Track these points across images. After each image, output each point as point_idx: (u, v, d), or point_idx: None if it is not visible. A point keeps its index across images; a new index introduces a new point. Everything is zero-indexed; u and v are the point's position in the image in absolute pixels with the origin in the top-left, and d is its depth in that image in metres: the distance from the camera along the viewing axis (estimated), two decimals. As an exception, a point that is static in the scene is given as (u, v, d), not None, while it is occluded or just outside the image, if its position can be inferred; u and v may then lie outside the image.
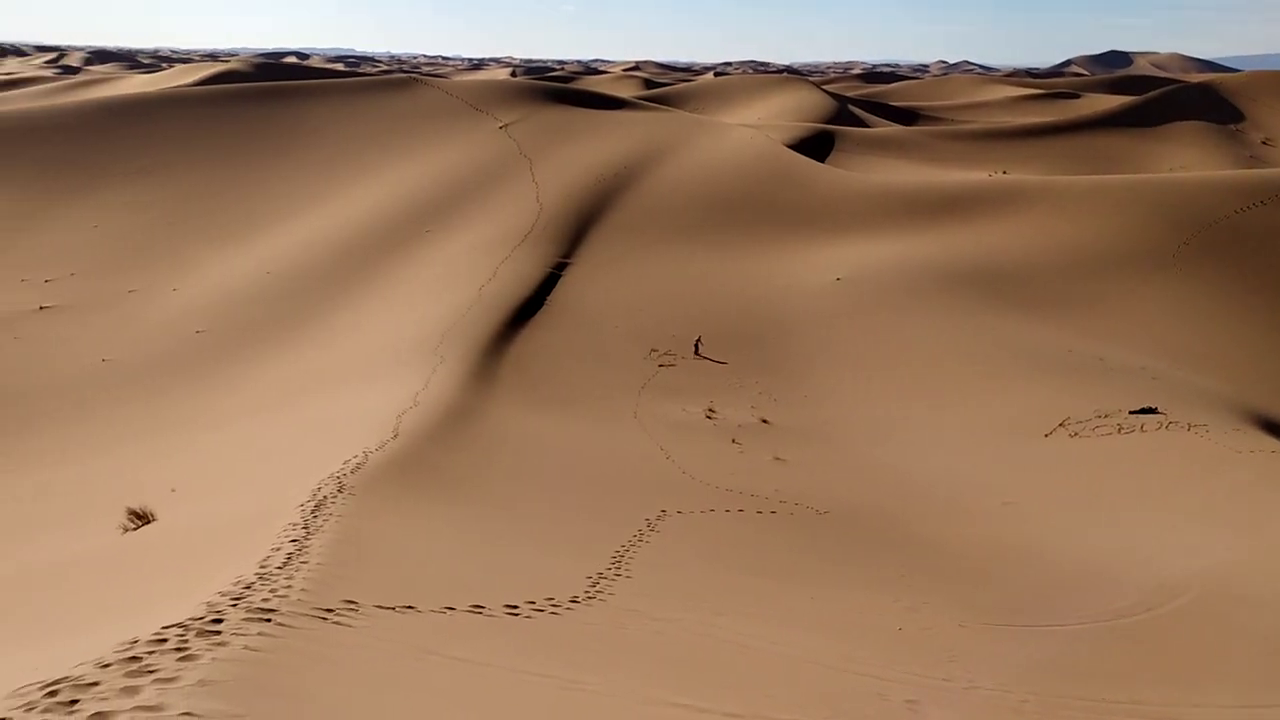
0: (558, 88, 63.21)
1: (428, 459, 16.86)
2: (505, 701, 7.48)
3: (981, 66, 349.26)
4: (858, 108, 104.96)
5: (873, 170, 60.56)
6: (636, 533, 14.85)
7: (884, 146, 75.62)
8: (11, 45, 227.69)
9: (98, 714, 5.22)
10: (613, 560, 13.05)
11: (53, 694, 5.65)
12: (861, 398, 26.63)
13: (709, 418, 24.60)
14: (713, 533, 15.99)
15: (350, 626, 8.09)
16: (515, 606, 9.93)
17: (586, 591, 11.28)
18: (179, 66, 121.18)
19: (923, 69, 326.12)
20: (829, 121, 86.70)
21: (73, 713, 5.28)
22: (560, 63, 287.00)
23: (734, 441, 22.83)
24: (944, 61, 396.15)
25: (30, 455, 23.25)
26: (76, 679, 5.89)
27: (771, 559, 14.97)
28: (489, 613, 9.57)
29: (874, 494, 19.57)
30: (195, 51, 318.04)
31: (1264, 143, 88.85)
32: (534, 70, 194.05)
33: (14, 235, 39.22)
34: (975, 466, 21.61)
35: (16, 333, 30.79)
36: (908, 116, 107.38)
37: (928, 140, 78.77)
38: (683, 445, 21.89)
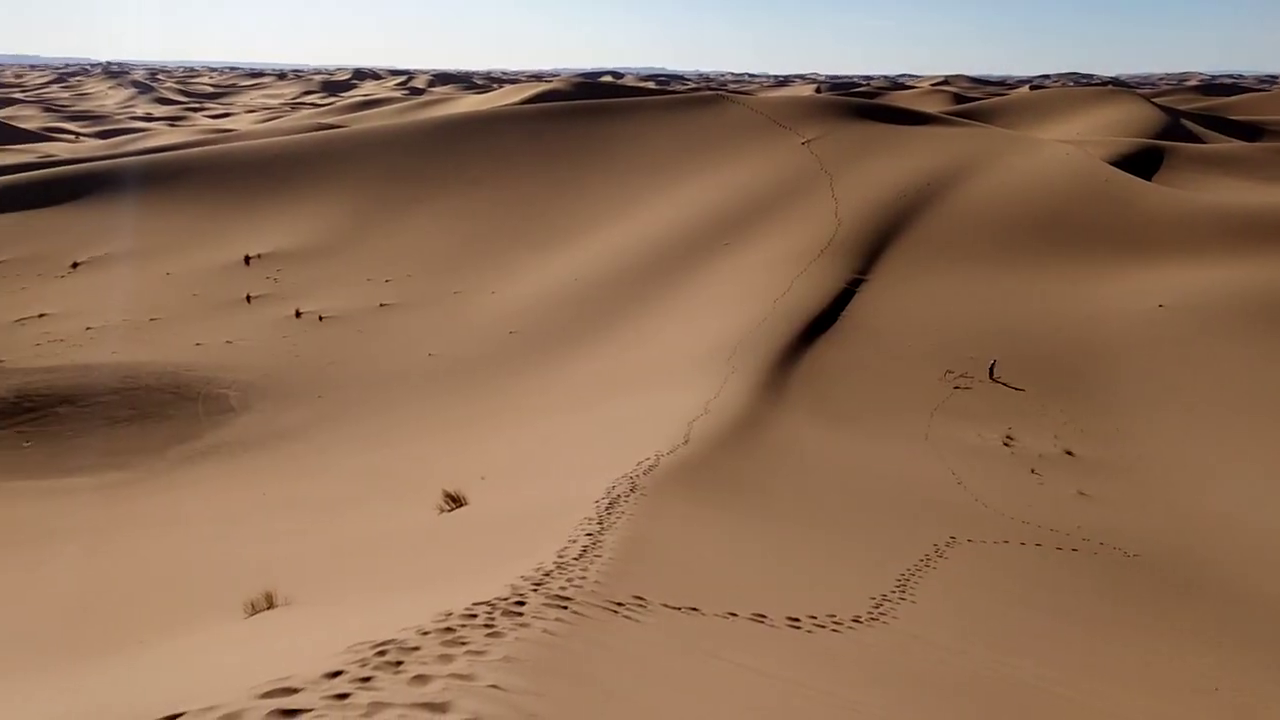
0: (862, 103, 62.49)
1: (716, 465, 17.26)
2: (785, 712, 7.61)
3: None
4: (1192, 122, 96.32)
5: (1206, 189, 55.43)
6: (924, 557, 14.50)
7: (1220, 164, 68.96)
8: (369, 70, 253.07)
9: (419, 676, 5.82)
10: (898, 583, 12.84)
11: (381, 653, 6.36)
12: (1181, 434, 24.52)
13: (1006, 445, 23.52)
14: (1006, 566, 15.32)
15: (638, 621, 8.49)
16: (796, 619, 10.03)
17: (869, 612, 11.18)
18: (508, 87, 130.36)
19: (1270, 80, 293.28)
20: (1158, 137, 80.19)
21: (398, 672, 5.92)
22: (866, 78, 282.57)
23: (1033, 472, 21.71)
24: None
25: (361, 437, 25.87)
26: (401, 642, 6.60)
27: (1072, 600, 14.15)
28: (770, 622, 9.72)
29: (1192, 539, 18.00)
30: (522, 73, 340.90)
31: None
32: (839, 86, 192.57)
33: (363, 239, 43.73)
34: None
35: (360, 326, 34.33)
36: (1251, 132, 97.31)
37: (1273, 158, 71.03)
38: (976, 472, 21.09)
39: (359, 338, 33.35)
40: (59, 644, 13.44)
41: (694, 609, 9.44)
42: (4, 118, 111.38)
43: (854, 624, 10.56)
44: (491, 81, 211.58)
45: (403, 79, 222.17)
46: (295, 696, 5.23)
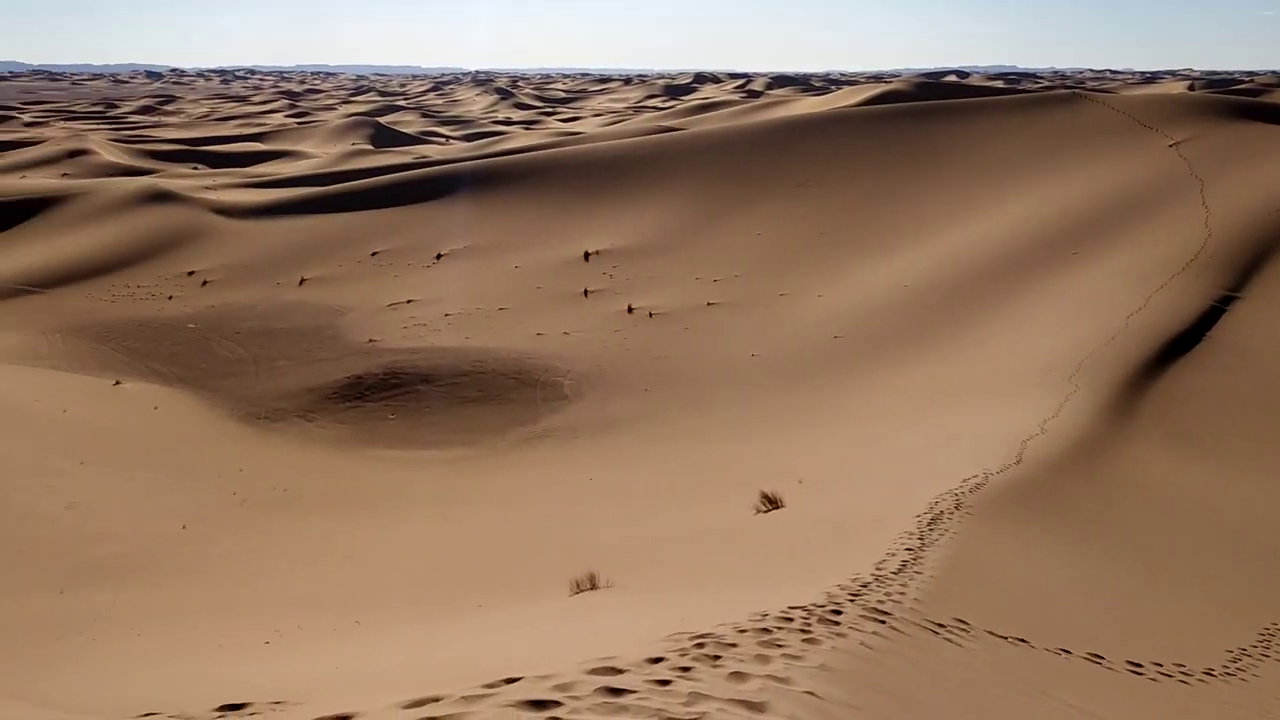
0: (1243, 102, 56.22)
1: (1051, 490, 16.20)
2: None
3: None
4: None
5: None
6: (1296, 614, 12.86)
7: None
8: (710, 74, 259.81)
9: (736, 673, 5.89)
10: (1261, 637, 11.48)
11: (700, 645, 6.49)
12: None
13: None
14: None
15: (960, 645, 8.12)
16: (1138, 665, 9.21)
17: (1225, 666, 10.07)
18: (846, 89, 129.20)
19: None
20: None
21: (716, 666, 6.02)
22: (1250, 74, 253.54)
23: None
24: None
25: (683, 432, 26.59)
26: (720, 637, 6.70)
27: None
28: (1108, 664, 8.99)
29: None
30: (862, 74, 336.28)
31: None
32: (1216, 83, 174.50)
33: (694, 238, 44.98)
34: None
35: (686, 324, 35.32)
36: None
37: None
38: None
39: (685, 335, 34.32)
40: (409, 601, 14.83)
41: (1022, 640, 8.91)
42: (389, 123, 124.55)
43: (1206, 676, 9.55)
44: (830, 83, 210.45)
45: (741, 82, 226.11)
46: (620, 676, 5.43)
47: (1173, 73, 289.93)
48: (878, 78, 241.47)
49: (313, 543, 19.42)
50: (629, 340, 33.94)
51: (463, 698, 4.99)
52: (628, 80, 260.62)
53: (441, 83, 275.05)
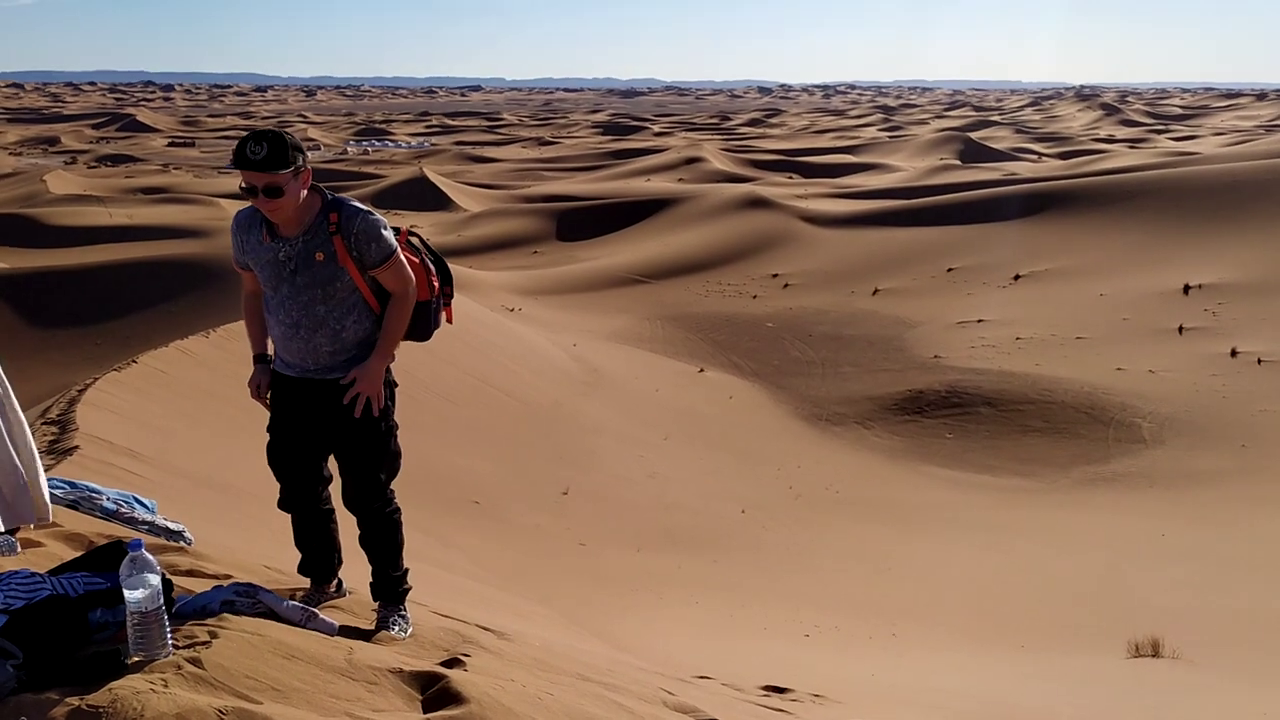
0: None
1: None
2: None
3: None
4: None
5: None
6: None
7: None
8: None
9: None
10: None
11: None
12: None
13: None
14: None
15: None
16: None
17: None
18: None
19: None
20: None
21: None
22: None
23: None
24: None
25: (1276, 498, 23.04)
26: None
27: None
28: None
29: None
30: None
31: None
32: None
33: None
34: None
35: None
36: None
37: None
38: None
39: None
40: (947, 623, 14.70)
41: None
42: (980, 138, 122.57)
43: None
44: None
45: None
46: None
47: None
48: None
49: (856, 546, 19.98)
50: (1228, 387, 30.17)
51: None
52: (1261, 95, 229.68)
53: (1041, 98, 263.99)
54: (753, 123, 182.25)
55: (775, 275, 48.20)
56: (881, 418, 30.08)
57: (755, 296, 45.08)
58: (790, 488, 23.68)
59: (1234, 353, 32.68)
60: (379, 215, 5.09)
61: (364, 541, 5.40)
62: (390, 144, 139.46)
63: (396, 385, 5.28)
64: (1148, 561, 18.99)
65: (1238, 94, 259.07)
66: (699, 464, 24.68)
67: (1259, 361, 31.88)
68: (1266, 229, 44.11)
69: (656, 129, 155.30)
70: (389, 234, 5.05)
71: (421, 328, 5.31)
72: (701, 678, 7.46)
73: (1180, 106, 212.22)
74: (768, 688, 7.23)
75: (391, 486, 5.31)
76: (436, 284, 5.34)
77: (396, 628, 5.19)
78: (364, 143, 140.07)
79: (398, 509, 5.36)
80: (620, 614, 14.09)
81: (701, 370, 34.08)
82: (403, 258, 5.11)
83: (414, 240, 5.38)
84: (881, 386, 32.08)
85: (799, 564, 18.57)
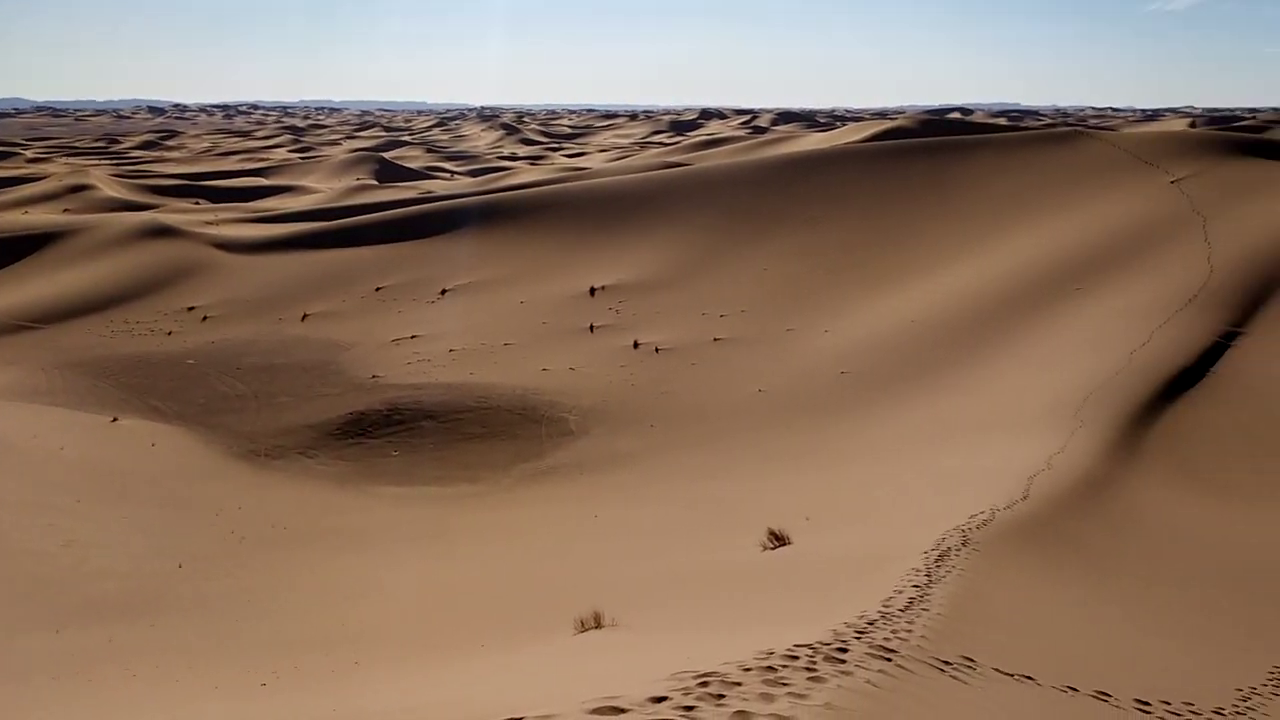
0: (1245, 139, 56.42)
1: (1058, 526, 16.03)
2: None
3: None
4: None
5: None
6: (1305, 651, 12.65)
7: None
8: (715, 110, 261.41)
9: (740, 712, 5.76)
10: (1270, 677, 11.27)
11: (704, 684, 6.37)
12: None
13: None
14: None
15: (966, 684, 7.98)
16: (1146, 703, 9.04)
17: (1235, 705, 9.88)
18: (851, 125, 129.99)
19: None
20: None
21: (720, 705, 5.90)
22: (1252, 111, 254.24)
23: None
24: None
25: (689, 468, 26.42)
26: (724, 675, 6.58)
27: None
28: (1115, 703, 8.82)
29: None
30: (866, 110, 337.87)
31: None
32: (1218, 120, 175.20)
33: (700, 273, 45.04)
34: None
35: (693, 360, 35.27)
36: None
37: None
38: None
39: (692, 370, 34.25)
40: (410, 640, 14.65)
41: (1028, 677, 8.76)
42: (394, 158, 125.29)
43: (1216, 715, 9.36)
44: (835, 119, 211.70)
45: (747, 117, 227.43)
46: (623, 716, 5.32)
47: (1174, 110, 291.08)
48: (882, 114, 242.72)
49: (312, 581, 19.26)
50: (635, 376, 33.87)
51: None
52: (634, 116, 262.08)
53: (447, 118, 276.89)
54: (146, 145, 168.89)
55: (191, 308, 45.02)
56: (324, 444, 29.39)
57: (170, 333, 41.74)
58: (232, 532, 22.18)
59: (636, 344, 36.87)
60: None
61: None
62: None
63: None
64: (586, 542, 20.64)
65: (615, 115, 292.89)
66: (123, 523, 22.14)
67: (656, 350, 36.26)
68: (650, 233, 50.35)
69: (30, 154, 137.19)
70: None
71: None
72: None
73: (569, 126, 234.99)
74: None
75: None
76: None
77: None
78: None
79: None
80: (40, 709, 12.15)
81: (115, 419, 30.69)
82: None
83: None
84: (321, 413, 31.35)
85: (250, 610, 17.41)
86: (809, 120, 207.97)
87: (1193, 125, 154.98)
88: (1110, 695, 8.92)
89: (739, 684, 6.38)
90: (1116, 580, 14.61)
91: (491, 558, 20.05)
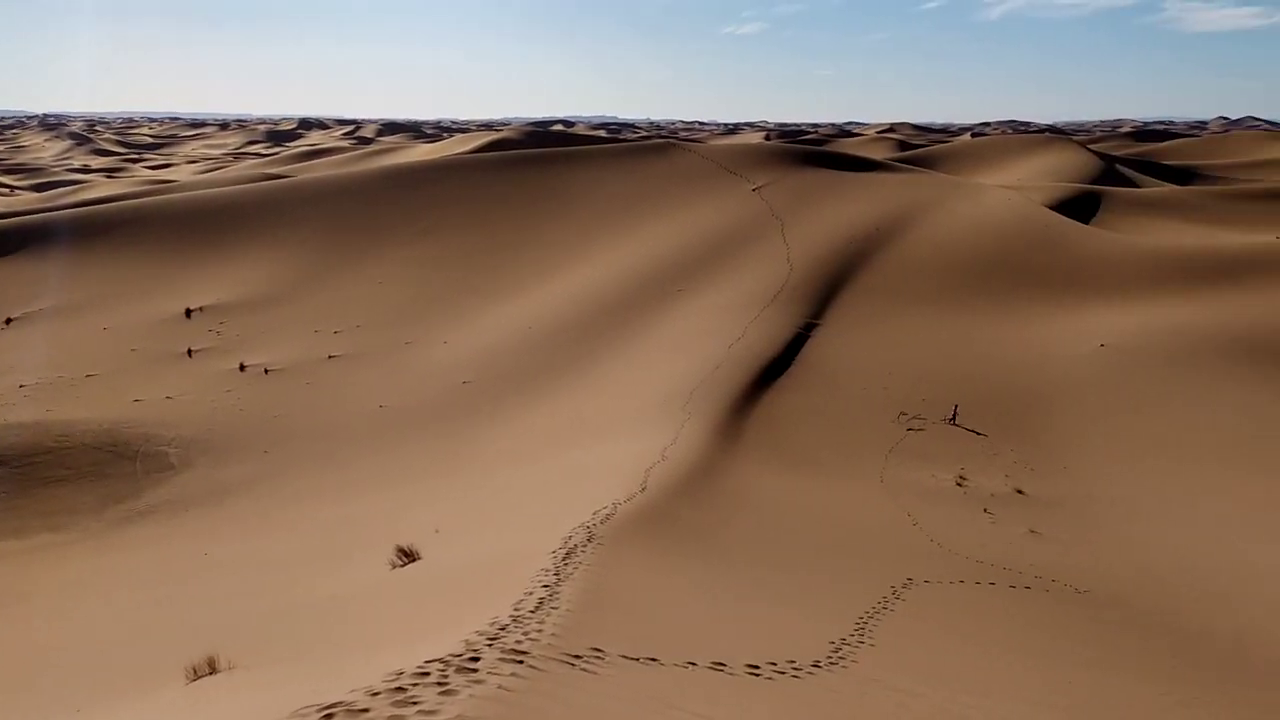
0: (811, 150, 63.36)
1: (674, 513, 17.01)
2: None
3: (1269, 122, 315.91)
4: (1127, 167, 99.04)
5: (1143, 233, 56.78)
6: (881, 600, 14.34)
7: (1155, 208, 70.78)
8: (316, 119, 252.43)
9: (367, 738, 5.51)
10: (856, 626, 12.65)
11: (329, 717, 6.04)
12: (1126, 473, 24.75)
13: (959, 485, 23.55)
14: (962, 605, 15.20)
15: (596, 674, 8.20)
16: (756, 667, 9.78)
17: (829, 656, 10.96)
18: (458, 136, 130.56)
19: (1200, 126, 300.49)
20: (1094, 182, 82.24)
21: (345, 735, 5.61)
22: (814, 126, 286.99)
23: (986, 511, 21.73)
24: (1225, 118, 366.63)
25: (309, 493, 25.27)
26: (349, 704, 6.28)
27: (1025, 637, 14.04)
28: (730, 671, 9.46)
29: (1140, 575, 18.05)
30: (473, 122, 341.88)
31: None
32: (788, 134, 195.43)
33: (311, 289, 43.19)
34: (1263, 555, 19.53)
35: (308, 379, 33.73)
36: (1183, 176, 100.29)
37: (1205, 201, 73.01)
38: (931, 512, 21.04)
39: (307, 390, 32.75)
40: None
41: (653, 659, 9.17)
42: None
43: (814, 669, 10.33)
44: (442, 131, 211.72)
45: (350, 128, 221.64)
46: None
47: (751, 124, 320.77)
48: (488, 125, 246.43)
49: None
50: (243, 400, 31.81)
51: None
52: (224, 125, 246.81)
53: (2, 126, 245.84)
54: None
55: None
56: None
57: None
58: None
59: (243, 367, 34.64)
60: None
61: None
62: None
63: None
64: (198, 582, 19.04)
65: (203, 124, 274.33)
66: None
67: (265, 371, 34.29)
68: (252, 248, 47.56)
69: None
70: None
71: None
72: None
73: (151, 135, 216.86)
74: None
75: None
76: None
77: None
78: None
79: None
80: None
81: None
82: None
83: None
84: None
85: None
86: (416, 131, 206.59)
87: (768, 138, 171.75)
88: (725, 665, 9.55)
89: (366, 710, 6.12)
90: (727, 557, 15.74)
91: (86, 613, 17.95)
